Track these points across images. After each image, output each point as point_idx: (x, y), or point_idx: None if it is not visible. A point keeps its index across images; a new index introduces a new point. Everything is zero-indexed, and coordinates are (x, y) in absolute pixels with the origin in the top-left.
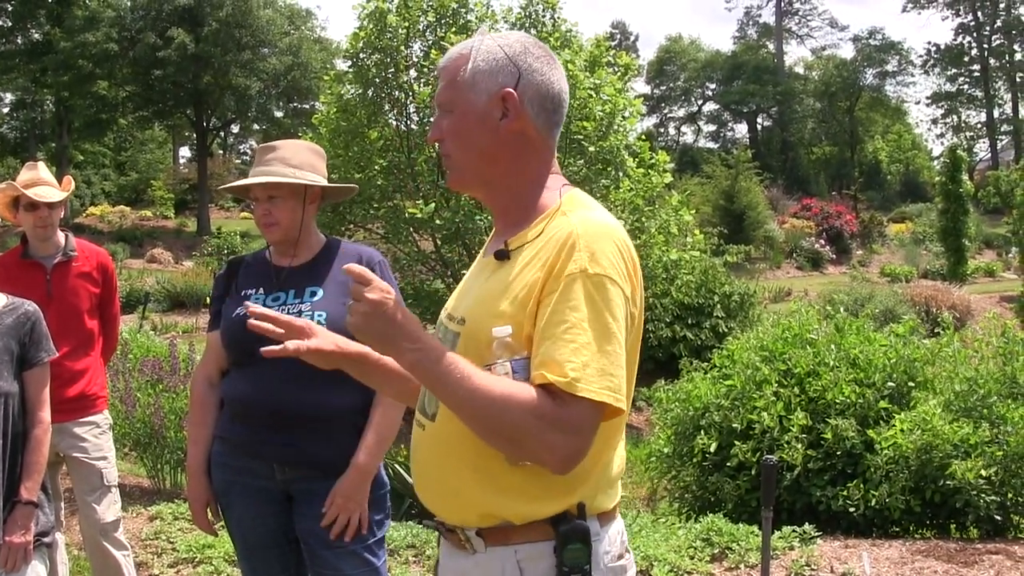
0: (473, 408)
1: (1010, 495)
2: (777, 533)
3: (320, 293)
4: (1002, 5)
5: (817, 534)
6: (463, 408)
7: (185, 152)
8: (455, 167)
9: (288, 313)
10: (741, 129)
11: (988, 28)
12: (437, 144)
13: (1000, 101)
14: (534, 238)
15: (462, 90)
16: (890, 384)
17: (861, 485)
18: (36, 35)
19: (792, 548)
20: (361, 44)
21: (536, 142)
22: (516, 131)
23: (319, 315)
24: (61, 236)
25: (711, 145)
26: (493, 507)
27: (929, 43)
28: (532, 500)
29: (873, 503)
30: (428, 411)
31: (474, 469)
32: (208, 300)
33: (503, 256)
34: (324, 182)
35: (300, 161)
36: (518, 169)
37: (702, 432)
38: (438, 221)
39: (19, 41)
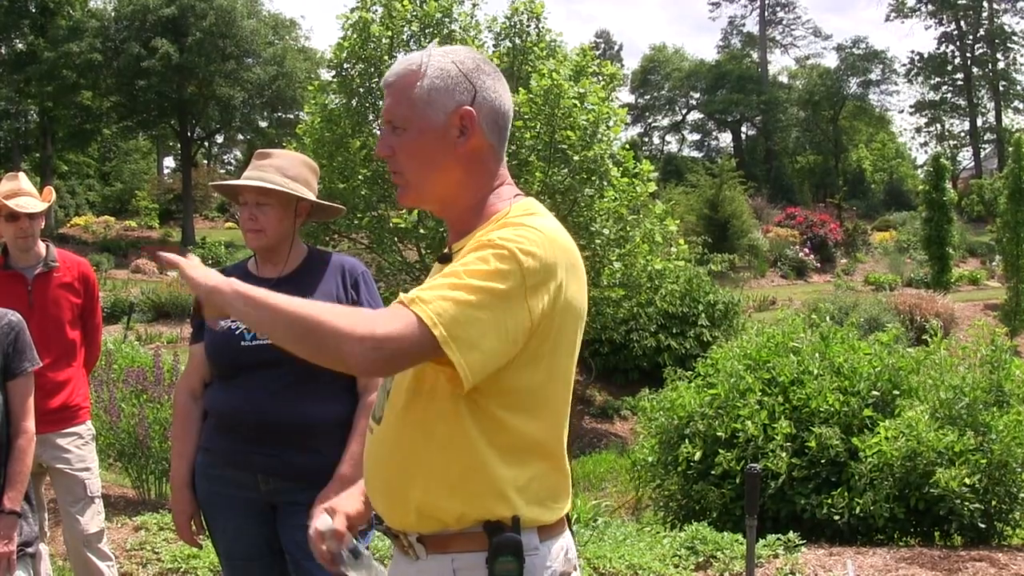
0: (289, 316)
1: (994, 503)
2: (762, 541)
3: None
4: (985, 14)
5: (802, 542)
6: (276, 320)
7: (169, 162)
8: (409, 184)
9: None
10: (725, 138)
11: (971, 37)
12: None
13: (983, 110)
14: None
15: (417, 107)
16: (875, 393)
17: (845, 493)
18: (20, 45)
19: (777, 556)
20: (345, 54)
21: (488, 158)
22: (472, 149)
23: None
24: (42, 246)
25: (695, 154)
26: (426, 507)
27: (912, 52)
28: (463, 502)
29: (857, 511)
30: (376, 415)
31: (407, 469)
32: (192, 311)
33: (445, 260)
34: (315, 197)
35: (295, 173)
36: (471, 184)
37: (687, 441)
38: (422, 230)
39: (2, 51)
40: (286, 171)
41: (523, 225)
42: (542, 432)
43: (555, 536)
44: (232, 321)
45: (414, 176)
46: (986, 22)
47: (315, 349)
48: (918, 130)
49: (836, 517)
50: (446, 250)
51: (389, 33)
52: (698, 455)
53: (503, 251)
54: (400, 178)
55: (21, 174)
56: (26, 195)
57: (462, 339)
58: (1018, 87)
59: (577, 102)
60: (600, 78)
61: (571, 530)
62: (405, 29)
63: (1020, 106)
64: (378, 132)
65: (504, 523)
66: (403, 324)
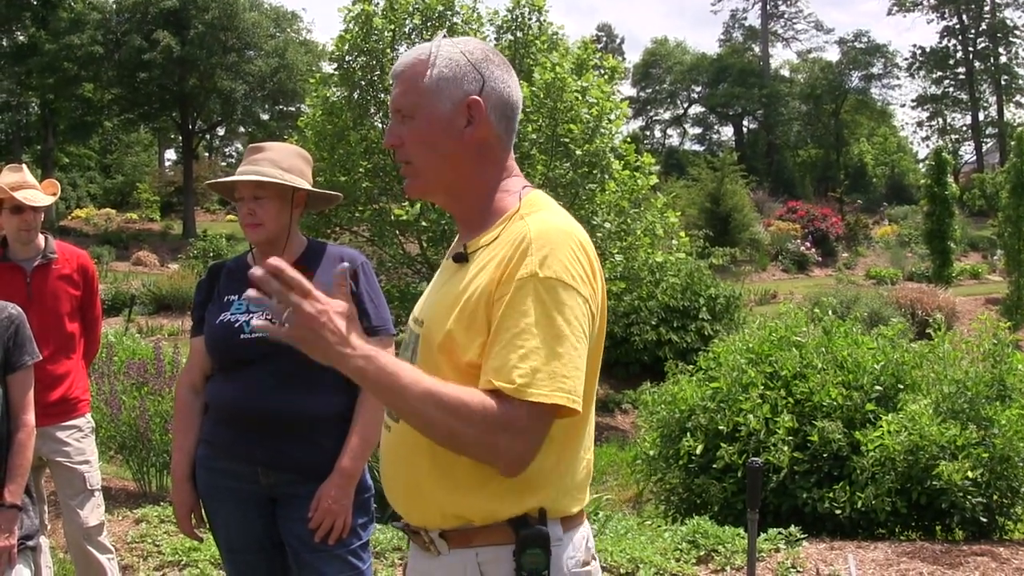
0: (423, 414)
1: (996, 496)
2: (763, 535)
3: None
4: (987, 8)
5: (803, 536)
6: (412, 414)
7: (171, 155)
8: (417, 174)
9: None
10: (727, 132)
11: (973, 31)
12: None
13: (985, 104)
14: (491, 241)
15: (425, 96)
16: (878, 387)
17: (847, 487)
18: (21, 37)
19: (778, 550)
20: (347, 47)
21: (496, 149)
22: (479, 139)
23: None
24: (41, 239)
25: (697, 148)
26: (453, 506)
27: (914, 46)
28: (491, 499)
29: (859, 505)
30: (394, 414)
31: (433, 469)
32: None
33: (461, 259)
34: (310, 187)
35: (289, 164)
36: (479, 175)
37: (688, 434)
38: (423, 223)
39: (4, 43)
40: (280, 163)
41: (548, 243)
42: (574, 423)
43: (577, 526)
44: (232, 313)
45: (422, 164)
46: (988, 16)
47: (458, 451)
48: (920, 124)
49: (838, 511)
50: (461, 249)
51: (391, 26)
52: (699, 449)
53: (551, 283)
54: (409, 168)
55: (24, 166)
56: (32, 188)
57: (577, 390)
58: (1020, 81)
59: (579, 96)
60: (602, 71)
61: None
62: (407, 22)
63: (1022, 100)
64: (380, 125)
65: (530, 515)
66: (530, 419)
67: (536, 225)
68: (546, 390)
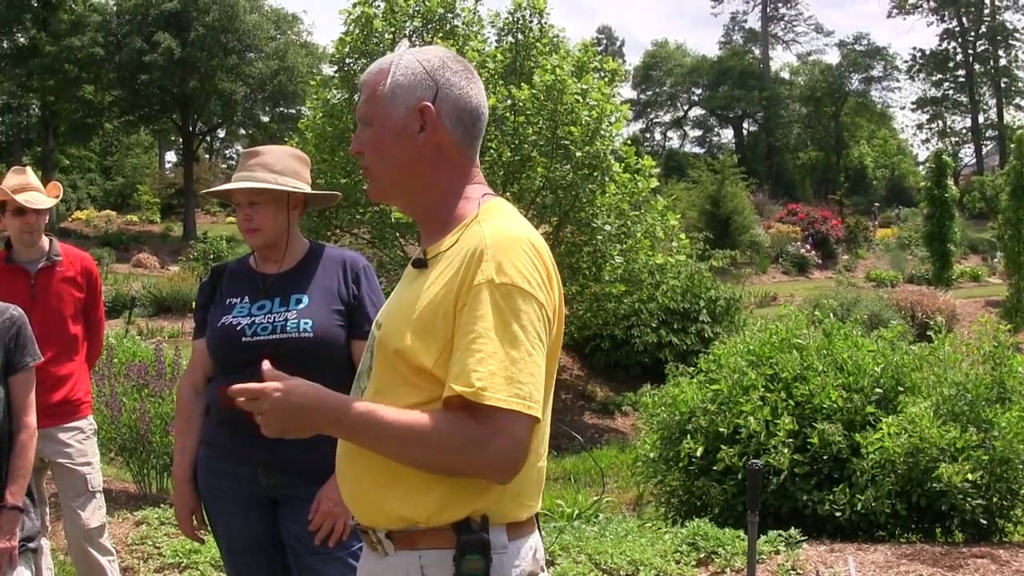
0: (405, 452)
1: (996, 499)
2: (763, 537)
3: (305, 300)
4: (987, 11)
5: (803, 538)
6: (395, 453)
7: (171, 157)
8: (375, 179)
9: (274, 321)
10: (727, 134)
11: (973, 34)
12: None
13: (985, 106)
14: (449, 247)
15: (381, 104)
16: (878, 390)
17: (847, 489)
18: (22, 39)
19: (778, 552)
20: (347, 49)
21: (453, 155)
22: (434, 144)
23: (305, 323)
24: (45, 241)
25: (697, 150)
26: (398, 508)
27: (914, 48)
28: (436, 501)
29: (859, 507)
30: None
31: (380, 469)
32: (194, 306)
33: (420, 265)
34: (307, 188)
35: (283, 167)
36: (435, 181)
37: (688, 437)
38: None
39: (4, 45)
40: (273, 167)
41: (503, 249)
42: None
43: (525, 535)
44: (234, 316)
45: (379, 169)
46: (988, 19)
47: (452, 474)
48: (919, 127)
49: (838, 513)
50: (421, 255)
51: (392, 28)
52: (700, 451)
53: (507, 289)
54: (368, 173)
55: (28, 168)
56: (34, 190)
57: (534, 395)
58: (1020, 84)
59: (579, 98)
60: (602, 74)
61: (540, 530)
62: (407, 24)
63: (1021, 103)
64: None
65: (473, 521)
66: (504, 423)
67: (491, 231)
68: (503, 395)
